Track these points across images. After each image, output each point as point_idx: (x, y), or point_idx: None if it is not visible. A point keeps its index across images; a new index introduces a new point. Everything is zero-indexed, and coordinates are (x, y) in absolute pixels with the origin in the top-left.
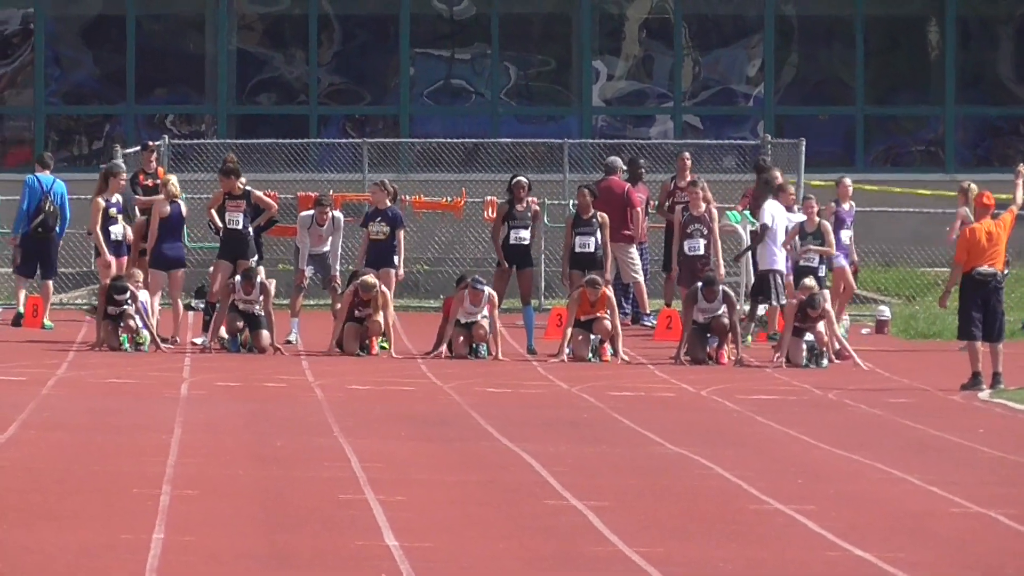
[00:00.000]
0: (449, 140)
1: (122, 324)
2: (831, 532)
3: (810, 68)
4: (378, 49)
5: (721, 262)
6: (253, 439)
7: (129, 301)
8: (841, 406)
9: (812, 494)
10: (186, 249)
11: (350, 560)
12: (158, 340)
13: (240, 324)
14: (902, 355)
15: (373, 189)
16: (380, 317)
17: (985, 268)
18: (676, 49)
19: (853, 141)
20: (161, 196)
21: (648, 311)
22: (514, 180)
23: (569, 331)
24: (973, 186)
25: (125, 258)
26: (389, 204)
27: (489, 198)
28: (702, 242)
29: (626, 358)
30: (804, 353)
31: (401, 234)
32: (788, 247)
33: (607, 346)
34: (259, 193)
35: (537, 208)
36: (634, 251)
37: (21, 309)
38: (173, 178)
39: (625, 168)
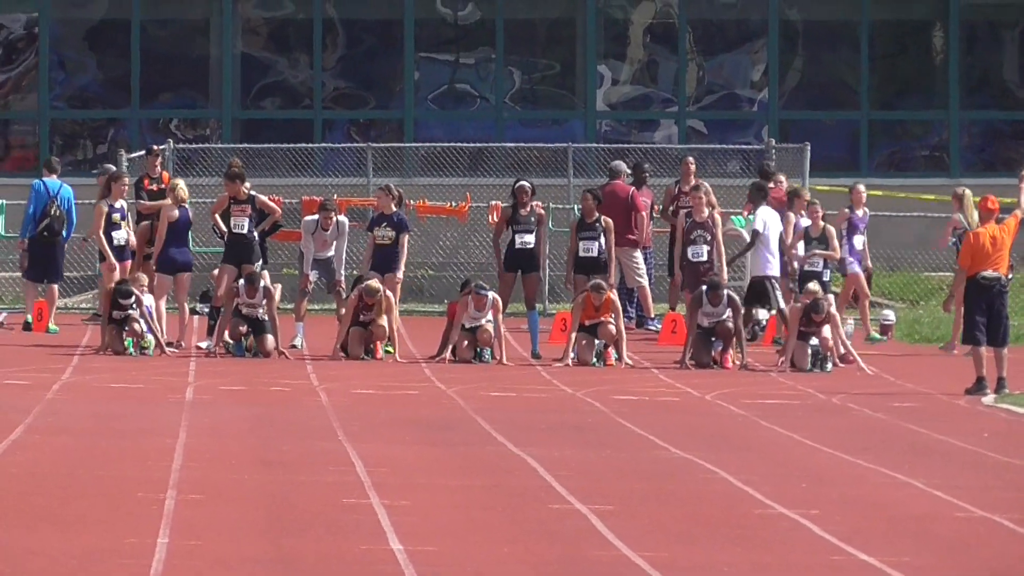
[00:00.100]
0: (453, 144)
1: (127, 328)
2: (835, 536)
3: (815, 73)
4: (383, 53)
5: (724, 267)
6: (258, 443)
7: (134, 305)
8: (845, 410)
9: (816, 498)
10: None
11: (355, 564)
12: (163, 344)
13: (243, 329)
14: (906, 359)
15: (379, 194)
16: (384, 321)
17: (989, 273)
18: (680, 54)
19: (858, 146)
20: (168, 200)
21: (652, 315)
22: (517, 184)
23: (573, 335)
24: (967, 192)
25: (129, 262)
26: (395, 208)
27: (494, 203)
28: (705, 248)
29: (630, 362)
30: (809, 358)
31: (406, 239)
32: (793, 251)
33: (611, 350)
34: (264, 198)
35: (542, 212)
36: (638, 255)
37: (30, 318)
38: (181, 182)
39: (629, 172)
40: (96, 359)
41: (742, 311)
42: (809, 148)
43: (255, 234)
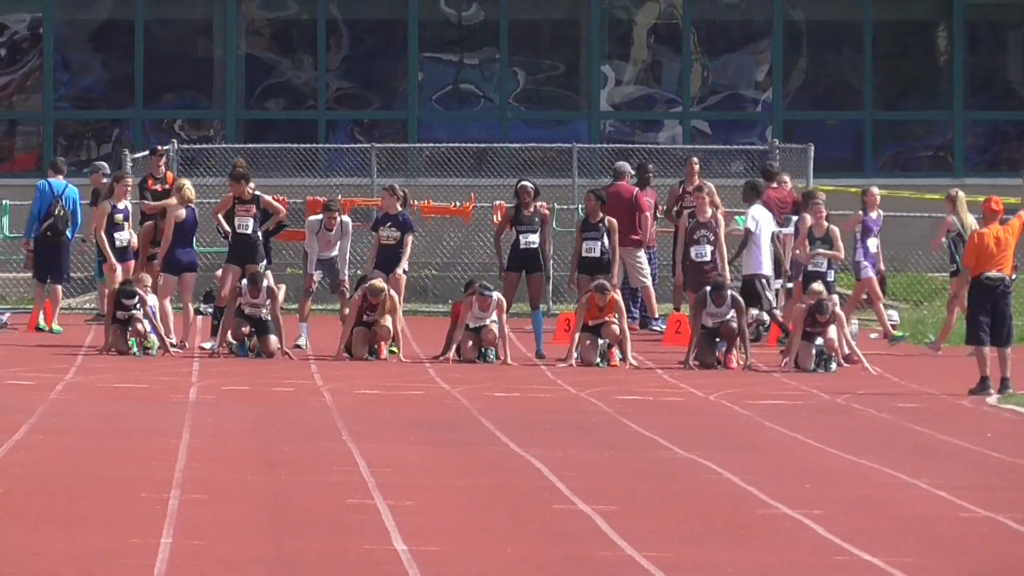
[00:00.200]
0: (458, 145)
1: (130, 328)
2: (839, 536)
3: (819, 73)
4: (386, 54)
5: (727, 267)
6: (261, 443)
7: (138, 305)
8: (849, 410)
9: (820, 498)
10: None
11: (358, 564)
12: (167, 344)
13: (246, 329)
14: (910, 359)
15: (383, 194)
16: (389, 321)
17: (994, 273)
18: (685, 54)
19: (862, 146)
20: (174, 200)
21: (656, 315)
22: (519, 184)
23: (577, 335)
24: (961, 193)
25: (132, 263)
26: (400, 208)
27: (498, 203)
28: (709, 248)
29: (634, 362)
30: (813, 358)
31: (410, 239)
32: (797, 252)
33: (615, 351)
34: (268, 198)
35: (546, 212)
36: (642, 255)
37: (41, 324)
38: (188, 183)
39: (634, 173)
40: (100, 359)
41: (745, 311)
42: (813, 148)
43: (259, 234)
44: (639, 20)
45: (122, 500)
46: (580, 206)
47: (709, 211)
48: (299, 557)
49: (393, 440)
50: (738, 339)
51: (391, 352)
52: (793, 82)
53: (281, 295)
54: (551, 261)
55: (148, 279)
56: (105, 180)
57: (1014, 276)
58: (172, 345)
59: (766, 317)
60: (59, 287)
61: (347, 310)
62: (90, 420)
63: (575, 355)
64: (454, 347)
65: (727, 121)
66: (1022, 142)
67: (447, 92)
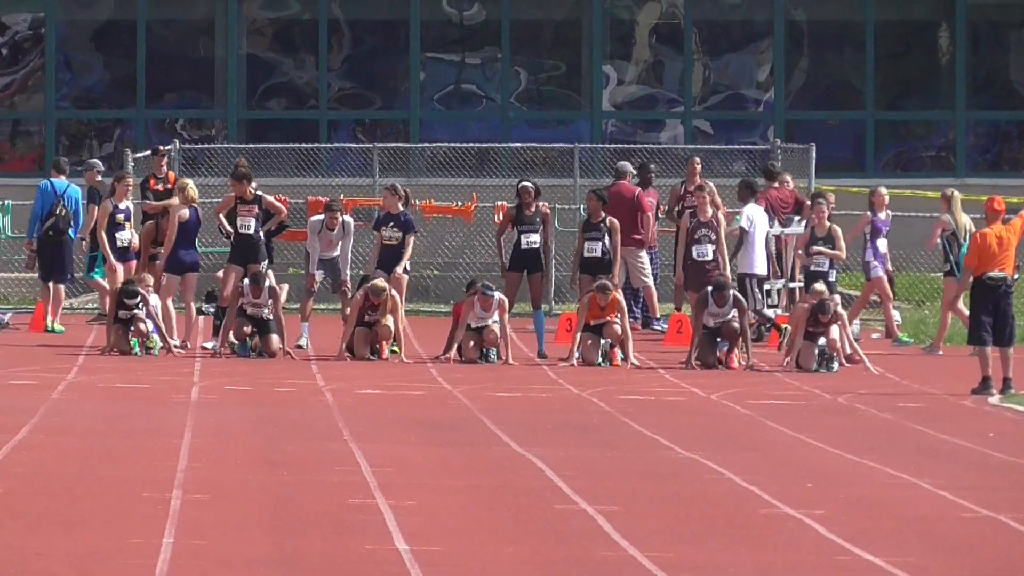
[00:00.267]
0: (459, 145)
1: (132, 328)
2: (840, 536)
3: (820, 73)
4: (388, 54)
5: (728, 267)
6: (263, 443)
7: (140, 305)
8: (851, 410)
9: (822, 498)
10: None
11: (360, 564)
12: (169, 343)
13: (248, 329)
14: (912, 359)
15: (385, 194)
16: (390, 321)
17: (996, 273)
18: (686, 54)
19: (863, 146)
20: (177, 200)
21: (658, 315)
22: (520, 184)
23: (579, 335)
24: (956, 193)
25: (133, 263)
26: (402, 208)
27: (500, 203)
28: (710, 248)
29: (636, 362)
30: (815, 358)
31: (412, 239)
32: (798, 252)
33: (617, 350)
34: (270, 198)
35: (547, 212)
36: (644, 255)
37: (49, 325)
38: (191, 183)
39: (635, 173)
40: (102, 359)
41: (747, 311)
42: (814, 148)
43: (261, 234)
44: (641, 20)
45: (124, 500)
46: (582, 206)
47: (710, 211)
48: (301, 557)
49: (395, 440)
50: (740, 339)
51: (393, 352)
52: (795, 82)
53: (283, 295)
54: (553, 261)
55: (150, 279)
56: (100, 178)
57: (1016, 276)
58: (175, 345)
59: (769, 313)
60: (61, 287)
61: (349, 310)
62: (92, 420)
63: (577, 355)
64: (455, 347)
65: (729, 121)
66: None
67: (449, 92)
